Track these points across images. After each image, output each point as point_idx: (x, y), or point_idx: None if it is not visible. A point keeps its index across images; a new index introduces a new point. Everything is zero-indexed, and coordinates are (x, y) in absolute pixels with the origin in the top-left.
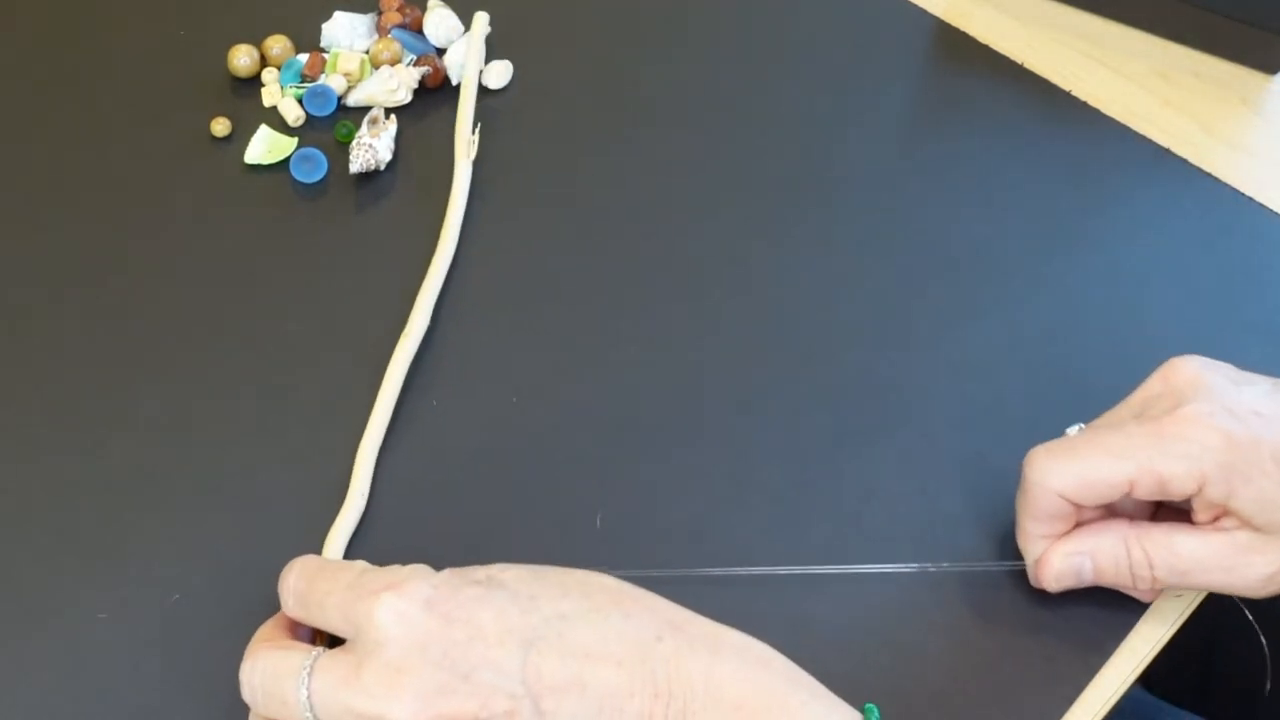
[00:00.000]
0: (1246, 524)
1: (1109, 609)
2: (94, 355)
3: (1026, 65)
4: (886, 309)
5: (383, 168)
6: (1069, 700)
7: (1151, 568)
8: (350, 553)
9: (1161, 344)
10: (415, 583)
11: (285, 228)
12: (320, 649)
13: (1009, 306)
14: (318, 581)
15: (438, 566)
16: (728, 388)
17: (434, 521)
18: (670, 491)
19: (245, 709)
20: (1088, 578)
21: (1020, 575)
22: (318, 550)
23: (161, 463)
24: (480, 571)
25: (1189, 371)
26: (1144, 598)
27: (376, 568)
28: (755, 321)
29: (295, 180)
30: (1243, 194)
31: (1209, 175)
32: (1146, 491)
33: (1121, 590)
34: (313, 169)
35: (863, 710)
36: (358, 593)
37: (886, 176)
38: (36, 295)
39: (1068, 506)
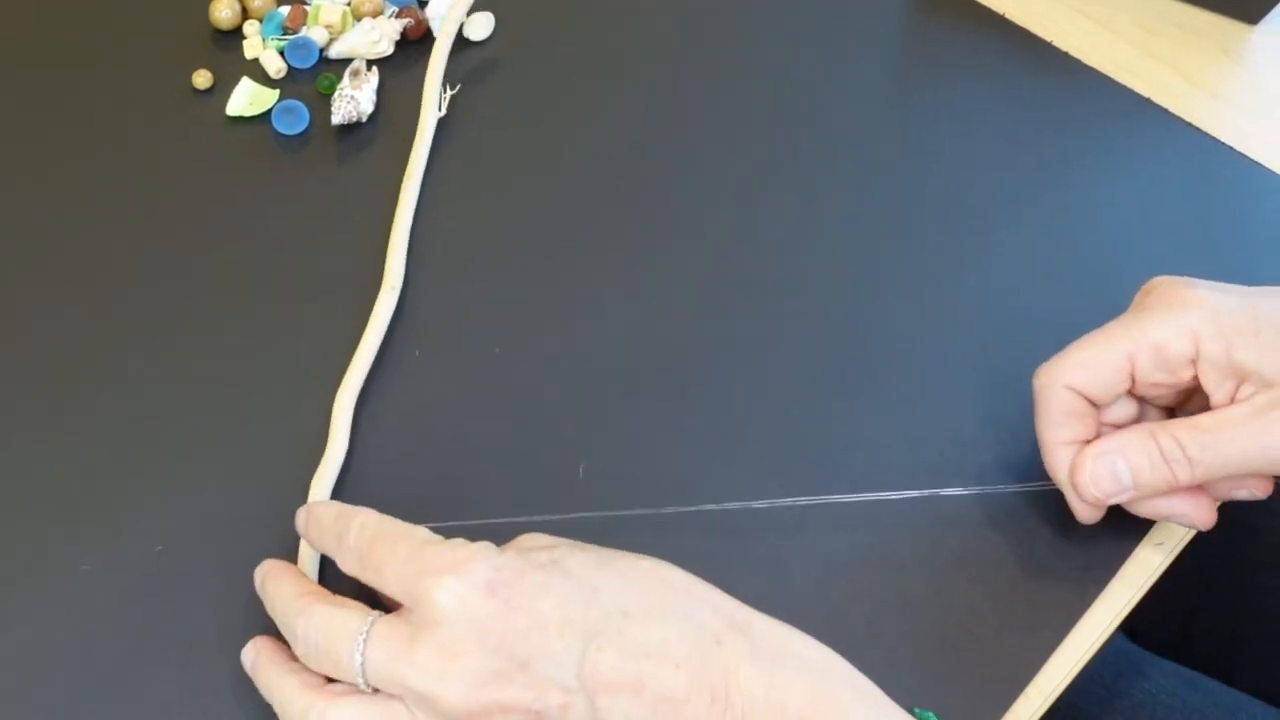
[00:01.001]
0: (1261, 383)
1: (1092, 555)
2: (75, 307)
3: (1008, 16)
4: (869, 258)
5: (364, 119)
6: (1051, 647)
7: (1183, 448)
8: (335, 498)
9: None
10: (477, 564)
11: (267, 179)
12: (377, 614)
13: (992, 256)
14: (377, 546)
15: (420, 515)
16: (711, 337)
17: (418, 471)
18: (654, 441)
19: (230, 658)
20: (1126, 481)
21: (1002, 521)
22: (302, 498)
23: (145, 414)
24: (544, 553)
25: (1168, 278)
26: (1193, 519)
27: (438, 539)
28: (739, 271)
29: (277, 132)
30: (1223, 143)
31: (1190, 125)
32: (1149, 366)
33: (1165, 505)
34: (295, 121)
35: (916, 714)
36: (418, 568)
37: (870, 127)
38: (18, 248)
39: (1080, 401)
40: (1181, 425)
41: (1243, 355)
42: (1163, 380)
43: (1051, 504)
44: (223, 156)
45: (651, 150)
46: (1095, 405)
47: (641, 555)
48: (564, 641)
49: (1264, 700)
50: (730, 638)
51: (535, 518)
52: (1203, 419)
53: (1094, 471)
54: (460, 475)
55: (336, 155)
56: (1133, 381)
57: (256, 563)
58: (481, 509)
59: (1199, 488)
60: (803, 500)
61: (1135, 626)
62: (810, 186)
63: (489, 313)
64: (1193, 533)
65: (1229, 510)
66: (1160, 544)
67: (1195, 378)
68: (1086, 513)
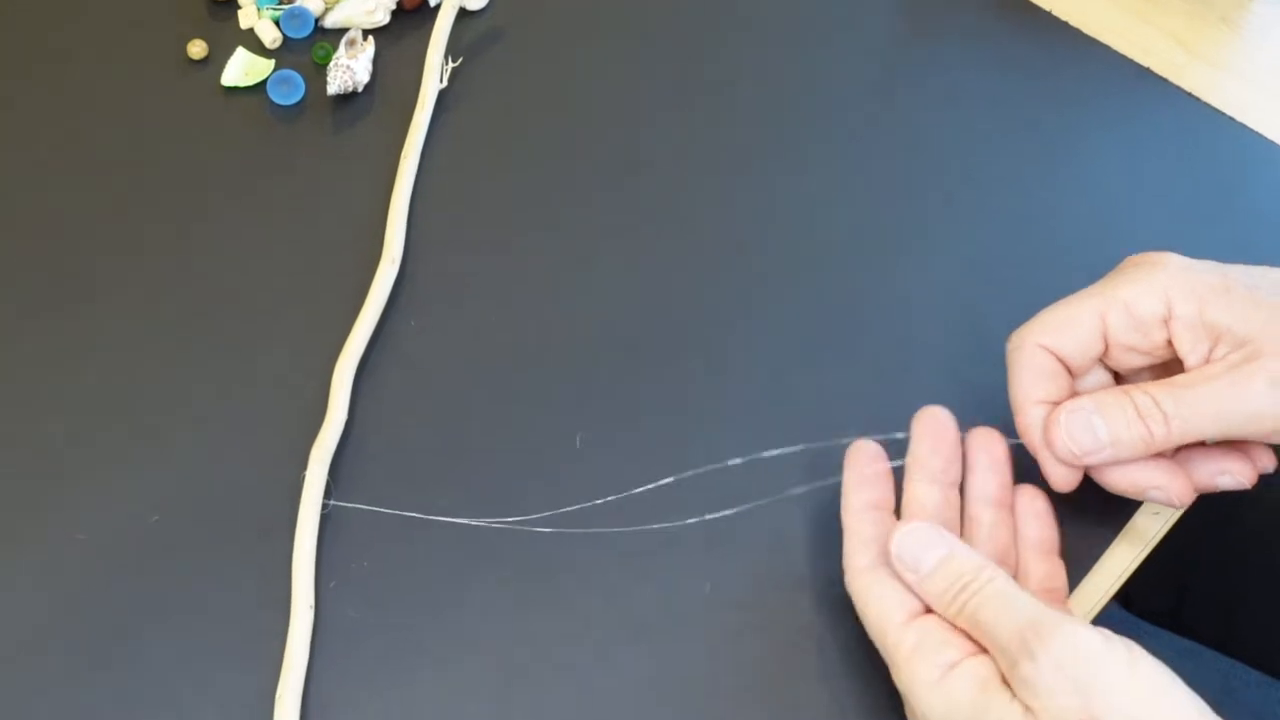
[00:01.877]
0: (1235, 343)
1: (1088, 524)
2: (69, 277)
3: None
4: (865, 225)
5: (360, 89)
6: None
7: (1159, 404)
8: (333, 472)
9: None
10: None
11: (262, 150)
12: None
13: (988, 223)
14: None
15: (419, 487)
16: (706, 305)
17: (416, 441)
18: (649, 411)
19: (225, 626)
20: (1102, 436)
21: None
22: (300, 468)
23: (141, 383)
24: None
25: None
26: (1169, 493)
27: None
28: (735, 238)
29: (272, 102)
30: (1222, 113)
31: (1189, 94)
32: (1121, 325)
33: (1142, 477)
34: (290, 91)
35: None
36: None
37: (865, 95)
38: (12, 222)
39: (1052, 361)
40: (1157, 384)
41: (1215, 314)
42: (1136, 343)
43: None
44: (218, 127)
45: (648, 122)
46: (1069, 371)
47: None
48: None
49: (1258, 669)
50: None
51: (543, 514)
52: (1178, 378)
53: (1069, 426)
54: (458, 445)
55: (332, 125)
56: (1106, 346)
57: (254, 532)
58: (479, 481)
59: (1176, 462)
60: (774, 452)
61: (1131, 595)
62: (808, 154)
63: (487, 284)
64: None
65: None
66: (1156, 513)
67: (1169, 343)
68: (1061, 475)
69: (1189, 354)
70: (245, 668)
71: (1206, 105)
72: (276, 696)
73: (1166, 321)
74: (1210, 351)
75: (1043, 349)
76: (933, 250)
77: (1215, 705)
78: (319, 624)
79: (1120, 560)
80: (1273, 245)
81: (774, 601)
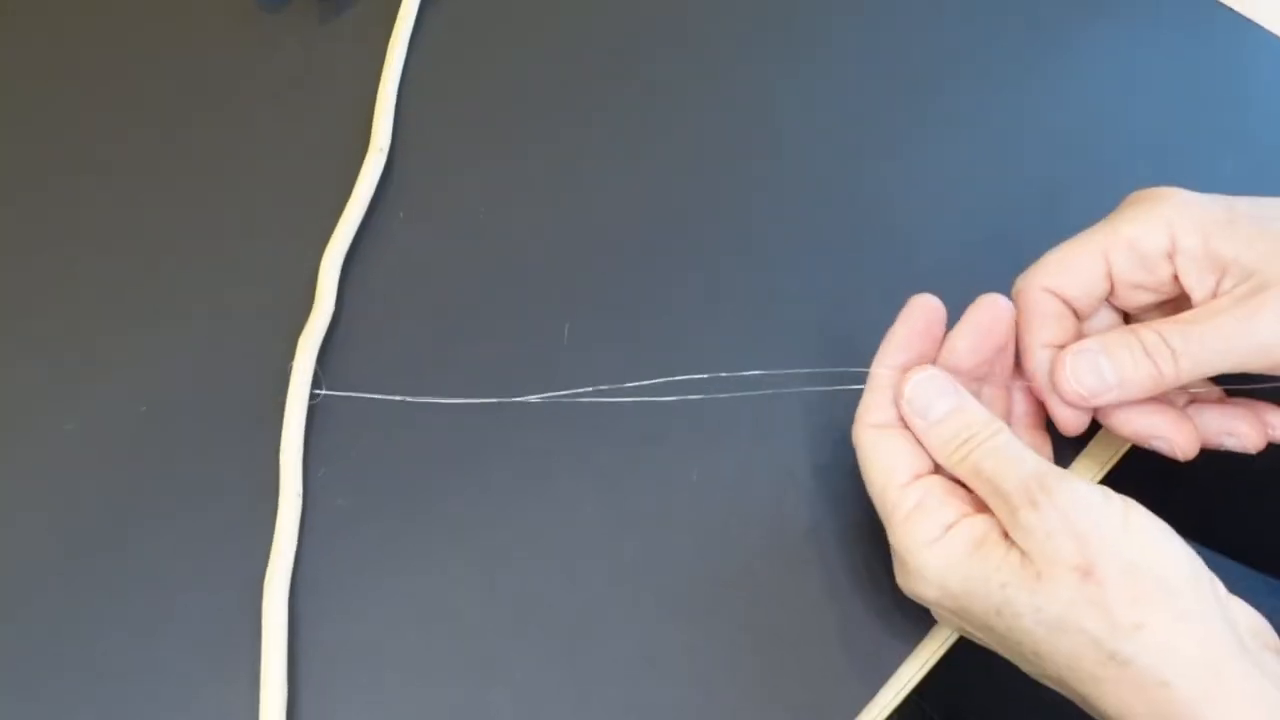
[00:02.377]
0: (1242, 274)
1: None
2: (55, 166)
3: None
4: (867, 118)
5: None
6: None
7: (1166, 340)
8: (322, 363)
9: (1137, 153)
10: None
11: (248, 41)
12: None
13: (987, 117)
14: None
15: (407, 376)
16: (700, 198)
17: (403, 333)
18: (641, 303)
19: (214, 519)
20: (1109, 377)
21: None
22: (287, 359)
23: (127, 273)
24: None
25: (1149, 188)
26: (1174, 443)
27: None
28: (731, 131)
29: None
30: (1221, 3)
31: None
32: (1126, 263)
33: (1145, 424)
34: None
35: None
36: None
37: None
38: None
39: (1057, 303)
40: (1163, 321)
41: (1220, 245)
42: (1142, 280)
43: None
44: (202, 17)
45: (646, 12)
46: (1076, 313)
47: None
48: None
49: (1238, 560)
50: None
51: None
52: (1185, 314)
53: (1075, 367)
54: (446, 337)
55: (318, 13)
56: (1112, 286)
57: (243, 423)
58: (467, 370)
59: (1185, 415)
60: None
61: (1116, 489)
62: (809, 44)
63: (476, 174)
64: None
65: None
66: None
67: (1176, 278)
68: (1069, 418)
69: (1195, 288)
70: (234, 556)
71: None
72: (264, 583)
73: (1171, 256)
74: (1217, 285)
75: (1047, 292)
76: (931, 141)
77: None
78: (308, 512)
79: (1103, 452)
80: (1271, 139)
81: (760, 491)
